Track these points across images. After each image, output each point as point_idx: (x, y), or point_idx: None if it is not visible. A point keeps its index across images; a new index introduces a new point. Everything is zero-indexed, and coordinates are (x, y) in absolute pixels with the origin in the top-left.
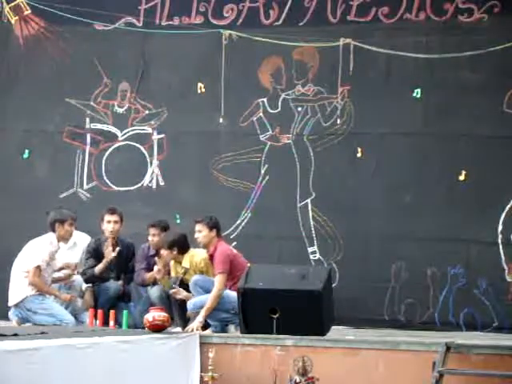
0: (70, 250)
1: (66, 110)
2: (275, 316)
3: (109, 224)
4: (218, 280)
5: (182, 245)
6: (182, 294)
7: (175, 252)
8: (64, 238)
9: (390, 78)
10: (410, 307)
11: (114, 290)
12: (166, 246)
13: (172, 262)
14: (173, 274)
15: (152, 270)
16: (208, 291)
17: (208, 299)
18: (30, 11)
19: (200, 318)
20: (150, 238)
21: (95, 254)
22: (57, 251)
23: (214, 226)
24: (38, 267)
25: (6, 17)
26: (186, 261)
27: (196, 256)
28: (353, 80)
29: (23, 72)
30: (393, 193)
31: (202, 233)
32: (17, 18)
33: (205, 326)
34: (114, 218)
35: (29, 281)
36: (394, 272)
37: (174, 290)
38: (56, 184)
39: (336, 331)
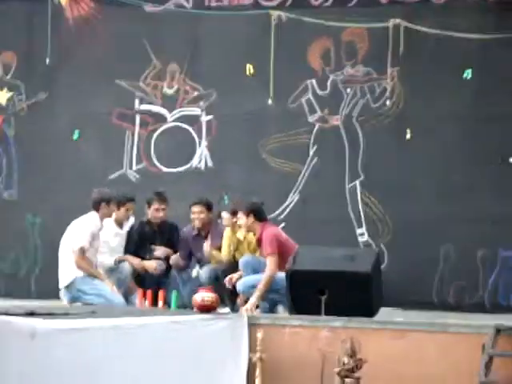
0: (117, 236)
1: (115, 92)
2: (323, 297)
3: (157, 212)
4: (270, 262)
5: (260, 212)
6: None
7: (252, 219)
8: (109, 218)
9: (441, 58)
10: (460, 289)
11: (160, 271)
12: (243, 208)
13: (227, 232)
14: (225, 246)
15: (191, 253)
16: (257, 272)
17: (260, 281)
18: None
19: (253, 299)
20: (194, 217)
21: (138, 238)
22: (100, 230)
23: (250, 211)
24: (82, 248)
25: None
26: (241, 234)
27: (250, 235)
28: (402, 61)
29: (74, 53)
30: (442, 174)
31: (240, 220)
32: None
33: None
34: (163, 206)
35: (74, 262)
36: (443, 254)
37: (227, 279)
38: (105, 165)
39: (385, 313)
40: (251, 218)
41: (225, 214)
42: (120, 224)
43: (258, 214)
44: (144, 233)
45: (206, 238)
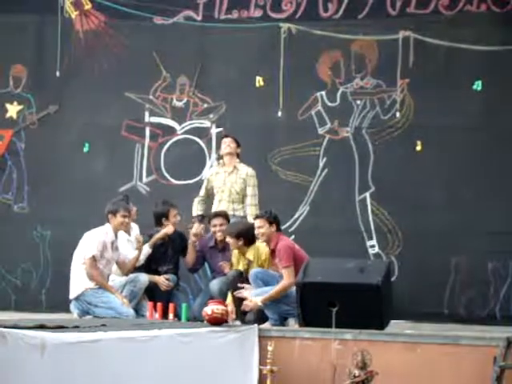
0: (128, 243)
1: (125, 104)
2: (334, 309)
3: (175, 218)
4: (286, 274)
5: (249, 235)
6: (245, 294)
7: (241, 242)
8: (118, 230)
9: (450, 70)
10: (471, 301)
11: (172, 281)
12: (232, 234)
13: (235, 253)
14: (236, 265)
15: (199, 261)
16: (268, 285)
17: (274, 288)
18: (90, 6)
19: (260, 298)
20: (215, 229)
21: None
22: (113, 242)
23: (273, 220)
24: (93, 257)
25: (67, 12)
26: (251, 253)
27: (261, 249)
28: (412, 73)
29: (83, 66)
30: (452, 186)
31: (262, 228)
32: (77, 12)
33: (263, 320)
34: (178, 217)
35: (86, 272)
36: (454, 266)
37: (238, 291)
38: (115, 178)
39: (395, 325)
40: (273, 228)
41: (229, 239)
42: (127, 232)
43: (278, 224)
44: (154, 244)
45: (222, 250)
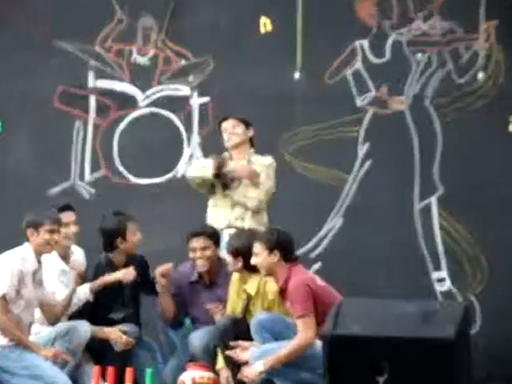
0: (62, 275)
1: (58, 61)
2: (382, 378)
3: (135, 236)
4: (302, 327)
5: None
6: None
7: (241, 263)
8: (43, 253)
9: None
10: None
11: (131, 335)
12: (231, 250)
13: (235, 281)
14: (234, 303)
15: (181, 309)
16: (278, 338)
17: (284, 347)
18: None
19: (261, 366)
20: (195, 255)
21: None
22: (35, 273)
23: (275, 246)
24: (3, 298)
25: None
26: (253, 285)
27: (269, 284)
28: (503, 11)
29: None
30: None
31: (257, 257)
32: None
33: None
34: (139, 235)
35: None
36: None
37: (233, 349)
38: (43, 174)
39: None
40: (275, 256)
41: (227, 256)
42: (63, 258)
43: (287, 251)
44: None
45: (209, 286)
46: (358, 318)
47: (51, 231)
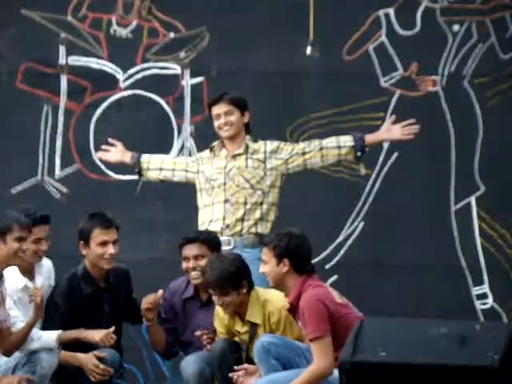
0: (24, 292)
1: (21, 32)
2: None
3: (104, 247)
4: (316, 351)
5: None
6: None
7: (287, 267)
8: (8, 264)
9: None
10: None
11: (110, 363)
12: (211, 284)
13: (218, 313)
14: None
15: (174, 336)
16: (289, 366)
17: (299, 377)
18: None
19: None
20: (188, 265)
21: (65, 308)
22: None
23: (284, 254)
24: None
25: None
26: (257, 312)
27: (272, 303)
28: None
29: None
30: None
31: (266, 265)
32: None
33: None
34: (113, 235)
35: None
36: None
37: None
38: (5, 169)
39: None
40: (285, 266)
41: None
42: (26, 272)
43: (299, 260)
44: (78, 297)
45: (206, 304)
46: (382, 342)
47: (19, 239)
